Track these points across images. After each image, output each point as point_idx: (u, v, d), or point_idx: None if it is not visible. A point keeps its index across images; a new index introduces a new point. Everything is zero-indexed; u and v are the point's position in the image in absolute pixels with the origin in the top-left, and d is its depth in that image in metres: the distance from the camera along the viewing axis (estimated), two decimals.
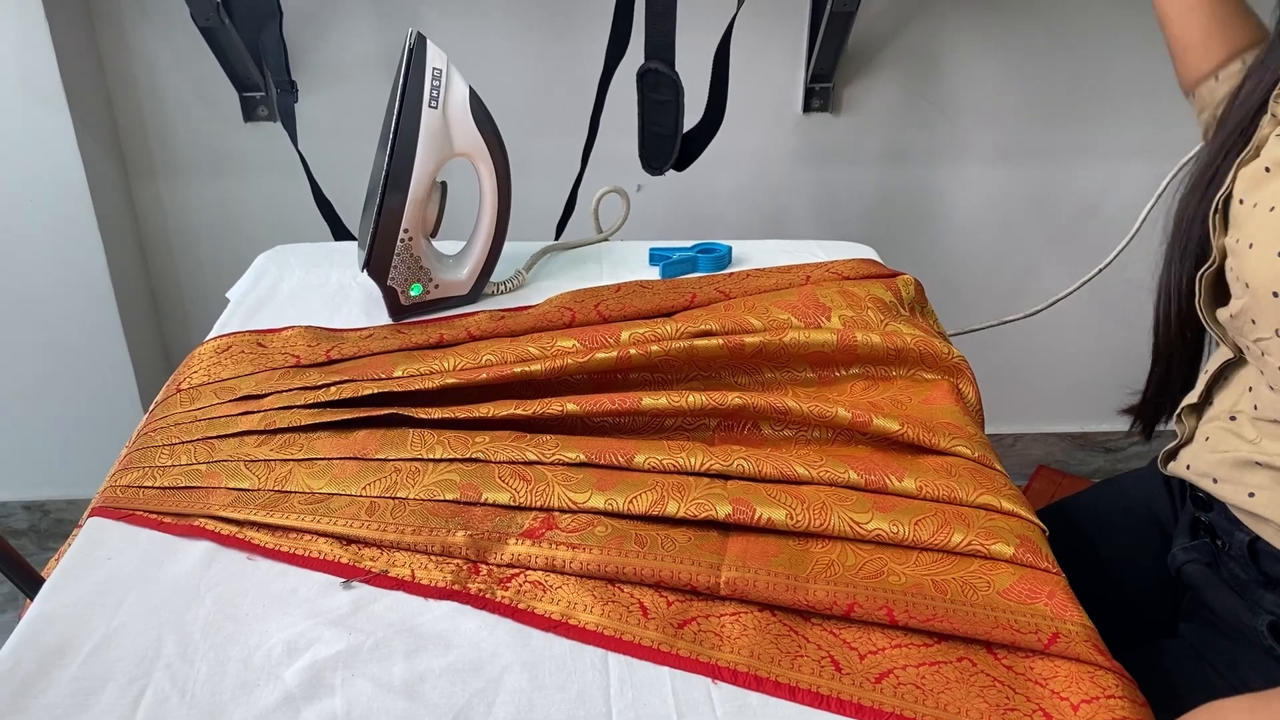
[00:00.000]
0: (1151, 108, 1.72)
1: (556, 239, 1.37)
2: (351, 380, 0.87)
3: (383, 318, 1.03)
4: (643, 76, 1.34)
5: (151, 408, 0.91)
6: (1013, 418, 2.06)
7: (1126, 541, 0.97)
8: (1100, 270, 1.50)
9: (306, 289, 1.10)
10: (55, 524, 1.89)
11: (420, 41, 0.95)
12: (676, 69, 1.34)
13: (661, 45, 1.31)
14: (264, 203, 1.73)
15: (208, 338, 1.00)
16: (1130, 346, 1.93)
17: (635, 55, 1.36)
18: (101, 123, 1.63)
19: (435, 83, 0.95)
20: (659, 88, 1.34)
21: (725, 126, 1.46)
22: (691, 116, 1.42)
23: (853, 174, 1.77)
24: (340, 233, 1.48)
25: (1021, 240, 1.84)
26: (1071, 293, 1.54)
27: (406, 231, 0.98)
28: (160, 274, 1.80)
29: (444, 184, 1.01)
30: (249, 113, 1.65)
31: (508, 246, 1.09)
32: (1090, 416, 2.05)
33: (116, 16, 1.58)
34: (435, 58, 0.95)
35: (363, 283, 1.08)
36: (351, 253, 1.18)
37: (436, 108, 0.96)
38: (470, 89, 0.97)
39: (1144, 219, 1.40)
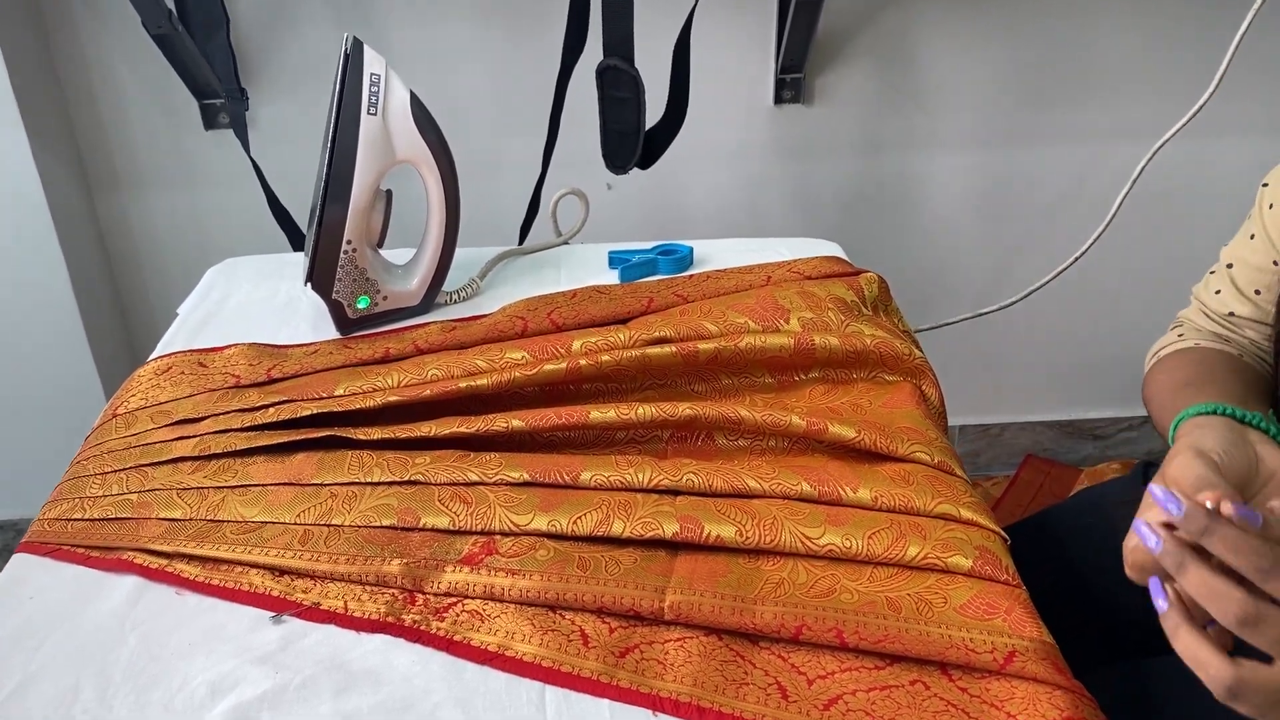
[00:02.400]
0: (1127, 91, 1.69)
1: (520, 243, 1.34)
2: (291, 400, 0.84)
3: (331, 332, 1.00)
4: (602, 74, 1.31)
5: (88, 435, 0.89)
6: (999, 408, 2.03)
7: (1109, 556, 0.94)
8: (1079, 256, 1.47)
9: (253, 303, 1.07)
10: None
11: (357, 46, 0.92)
12: (638, 65, 1.30)
13: (619, 41, 1.27)
14: (229, 211, 1.70)
15: (149, 358, 0.97)
16: (1114, 331, 1.91)
17: (596, 52, 1.32)
18: (59, 135, 1.60)
19: (374, 88, 0.92)
20: (618, 85, 1.31)
21: (696, 121, 1.42)
22: (656, 113, 1.39)
23: (827, 166, 1.74)
24: (299, 242, 1.45)
25: (1000, 228, 1.81)
26: (1051, 280, 1.52)
27: (350, 243, 0.95)
28: (126, 287, 1.77)
29: (389, 192, 0.98)
30: (209, 120, 1.62)
31: (463, 253, 1.06)
32: (1077, 404, 2.02)
33: (70, 26, 1.54)
34: (373, 63, 0.92)
35: (312, 296, 1.05)
36: (301, 264, 1.14)
37: (376, 114, 0.92)
38: (411, 93, 0.94)
39: (1120, 203, 1.38)
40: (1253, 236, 0.79)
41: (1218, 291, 0.85)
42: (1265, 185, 0.80)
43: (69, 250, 1.61)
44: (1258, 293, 0.78)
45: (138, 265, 1.75)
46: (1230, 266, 0.83)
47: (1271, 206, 0.77)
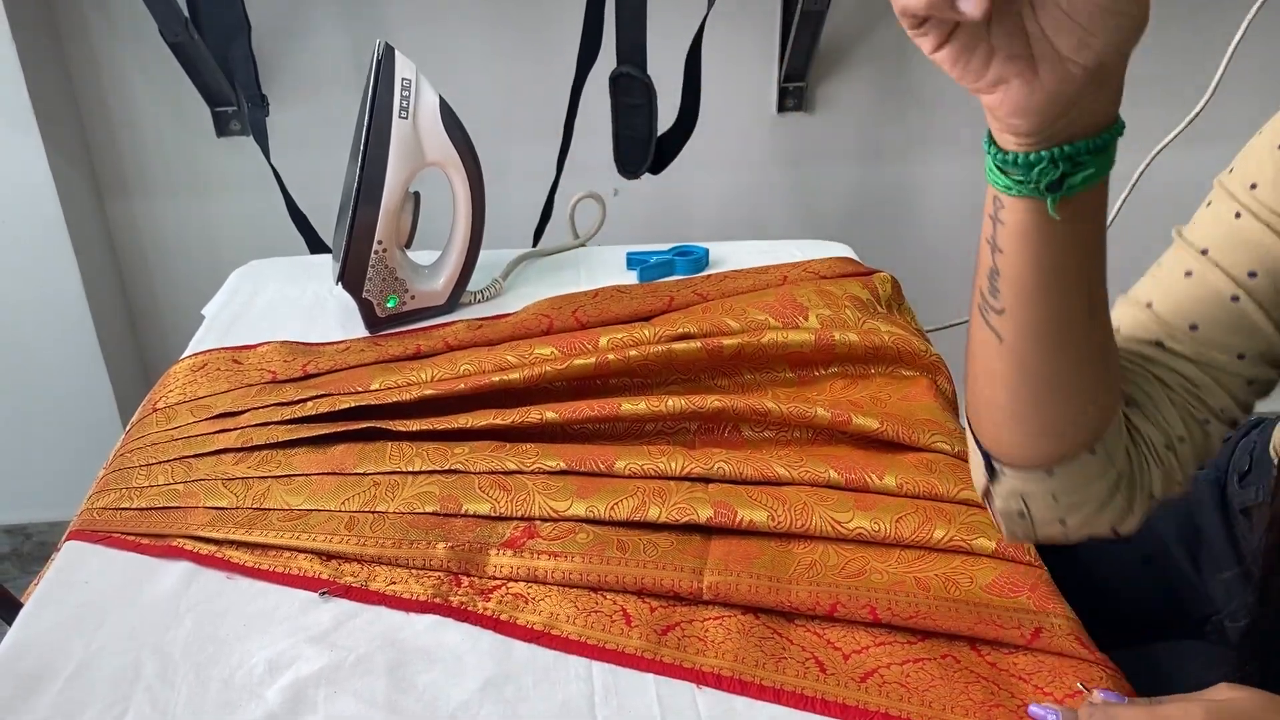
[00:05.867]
0: (1123, 98, 1.73)
1: (534, 246, 1.36)
2: (328, 395, 0.87)
3: (359, 330, 1.03)
4: (615, 81, 1.34)
5: (128, 428, 0.91)
6: None
7: (1113, 546, 0.97)
8: None
9: (282, 303, 1.10)
10: (38, 547, 1.88)
11: (388, 52, 0.95)
12: (649, 72, 1.34)
13: (632, 49, 1.31)
14: (240, 218, 1.72)
15: (183, 355, 0.99)
16: None
17: (608, 59, 1.36)
18: (72, 142, 1.62)
19: (405, 93, 0.95)
20: (631, 92, 1.34)
21: (701, 128, 1.45)
22: (666, 119, 1.42)
23: (830, 172, 1.77)
24: (316, 246, 1.47)
25: None
26: None
27: (380, 243, 0.98)
28: (137, 292, 1.79)
29: (417, 194, 1.01)
30: (221, 128, 1.64)
31: (484, 255, 1.08)
32: None
33: (85, 34, 1.57)
34: (404, 68, 0.95)
35: (338, 296, 1.08)
36: (327, 266, 1.17)
37: (407, 118, 0.95)
38: (440, 98, 0.97)
39: (1119, 209, 1.41)
40: (1238, 215, 0.62)
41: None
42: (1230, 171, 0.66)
43: (82, 255, 1.63)
44: (1252, 275, 0.59)
45: (148, 271, 1.77)
46: (1189, 275, 0.65)
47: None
